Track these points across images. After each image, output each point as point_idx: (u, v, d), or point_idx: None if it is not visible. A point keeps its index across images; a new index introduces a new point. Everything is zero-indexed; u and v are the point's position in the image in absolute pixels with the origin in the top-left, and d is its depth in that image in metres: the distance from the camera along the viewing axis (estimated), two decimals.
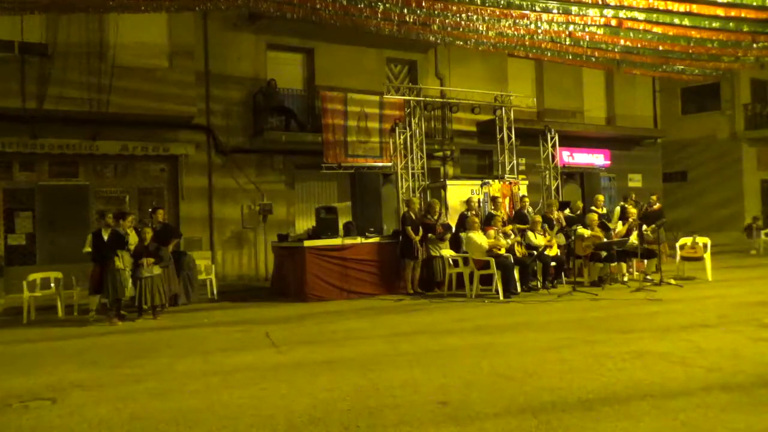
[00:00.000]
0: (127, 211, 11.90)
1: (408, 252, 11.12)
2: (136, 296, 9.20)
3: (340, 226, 11.72)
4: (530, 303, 9.53)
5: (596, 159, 19.92)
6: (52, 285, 10.34)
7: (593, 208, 12.30)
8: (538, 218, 11.55)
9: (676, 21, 9.83)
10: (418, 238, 11.06)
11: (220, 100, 15.02)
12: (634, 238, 11.18)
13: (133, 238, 9.71)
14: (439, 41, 13.99)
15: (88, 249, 9.67)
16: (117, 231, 9.40)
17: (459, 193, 12.93)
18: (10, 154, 12.87)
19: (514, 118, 14.93)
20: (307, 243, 11.04)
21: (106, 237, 9.45)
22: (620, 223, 11.94)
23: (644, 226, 11.35)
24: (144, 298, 9.19)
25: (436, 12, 9.98)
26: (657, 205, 12.99)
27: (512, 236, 10.92)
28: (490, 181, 13.31)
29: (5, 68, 12.19)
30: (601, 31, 10.69)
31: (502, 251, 10.40)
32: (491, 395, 4.45)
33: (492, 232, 10.73)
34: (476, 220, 10.81)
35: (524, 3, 9.43)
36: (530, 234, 11.19)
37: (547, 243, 11.11)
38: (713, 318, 7.31)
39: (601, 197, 12.81)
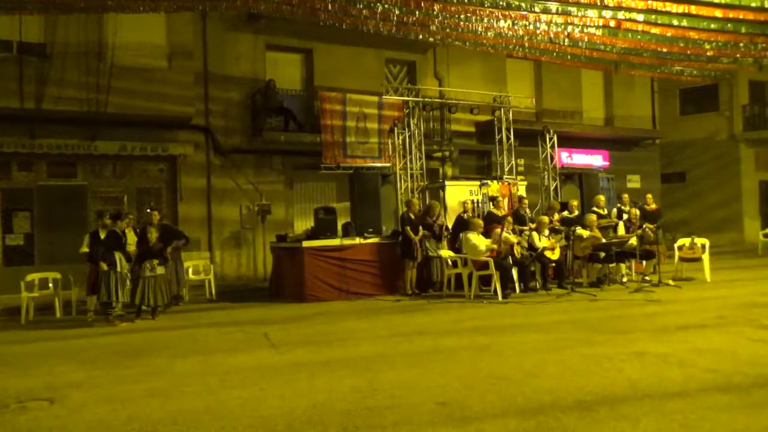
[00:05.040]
0: (124, 211, 11.86)
1: (407, 252, 11.13)
2: (137, 296, 9.17)
3: (339, 227, 11.71)
4: (529, 304, 9.52)
5: (595, 160, 19.90)
6: (51, 285, 10.31)
7: (594, 209, 12.26)
8: (546, 219, 11.40)
9: (675, 22, 9.84)
10: (417, 239, 11.06)
11: (219, 101, 15.00)
12: (633, 240, 11.16)
13: (131, 239, 9.70)
14: (437, 42, 14.00)
15: (85, 249, 9.65)
16: (115, 231, 9.36)
17: (458, 193, 12.93)
18: (8, 154, 12.84)
19: (512, 118, 14.95)
20: (305, 243, 11.03)
21: (103, 237, 9.41)
22: (620, 224, 11.94)
23: (645, 224, 11.33)
24: (146, 298, 9.17)
25: (434, 13, 9.99)
26: (654, 205, 12.93)
27: (516, 236, 10.87)
28: (489, 181, 13.31)
29: (4, 68, 12.15)
30: (599, 32, 10.69)
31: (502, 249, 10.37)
32: (490, 396, 4.46)
33: (498, 230, 10.61)
34: (479, 222, 10.74)
35: (523, 4, 9.44)
36: (534, 235, 11.15)
37: (550, 246, 11.03)
38: (712, 319, 7.32)
39: (602, 198, 12.74)
